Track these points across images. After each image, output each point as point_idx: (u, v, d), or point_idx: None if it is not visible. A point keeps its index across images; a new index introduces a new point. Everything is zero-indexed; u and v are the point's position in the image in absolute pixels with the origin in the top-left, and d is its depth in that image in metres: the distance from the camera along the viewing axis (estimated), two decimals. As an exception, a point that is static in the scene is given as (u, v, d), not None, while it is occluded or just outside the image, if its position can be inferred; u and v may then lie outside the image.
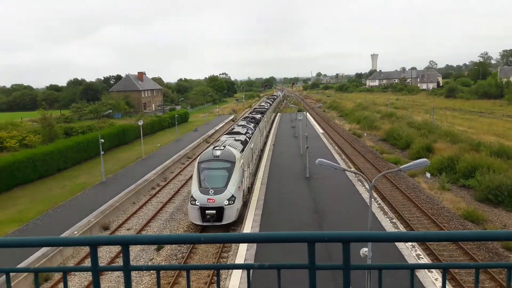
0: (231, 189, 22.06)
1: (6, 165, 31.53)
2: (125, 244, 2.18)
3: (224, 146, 24.90)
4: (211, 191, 21.83)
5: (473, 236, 2.20)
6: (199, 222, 22.06)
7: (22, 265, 17.66)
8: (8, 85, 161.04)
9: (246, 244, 18.00)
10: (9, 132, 50.67)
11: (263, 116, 49.62)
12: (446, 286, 2.29)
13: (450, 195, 27.87)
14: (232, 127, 42.15)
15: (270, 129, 57.61)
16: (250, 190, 27.33)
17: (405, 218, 23.52)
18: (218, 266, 2.22)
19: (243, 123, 39.26)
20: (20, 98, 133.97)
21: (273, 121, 67.62)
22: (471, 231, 2.31)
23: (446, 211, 24.54)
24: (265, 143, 45.59)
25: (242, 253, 17.38)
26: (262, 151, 41.03)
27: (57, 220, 24.47)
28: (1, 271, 2.22)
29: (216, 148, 24.70)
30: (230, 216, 21.80)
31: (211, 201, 21.63)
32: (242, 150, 26.52)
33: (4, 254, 17.46)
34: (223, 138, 30.59)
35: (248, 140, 30.72)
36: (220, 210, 21.72)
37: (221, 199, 21.69)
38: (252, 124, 39.07)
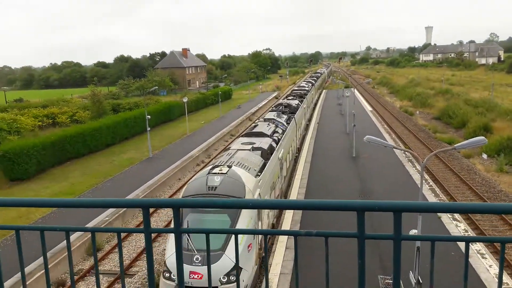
0: (233, 253, 12.23)
1: (58, 139, 32.89)
2: (176, 206, 2.22)
3: (230, 166, 14.91)
4: (198, 258, 12.14)
5: None
6: None
7: (76, 234, 18.39)
8: (59, 63, 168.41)
9: (291, 218, 18.35)
10: (60, 108, 52.99)
11: (302, 101, 39.00)
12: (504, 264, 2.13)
13: (508, 178, 26.12)
14: (254, 123, 27.47)
15: (315, 107, 56.36)
16: (274, 226, 18.20)
17: (458, 201, 22.28)
18: (266, 231, 2.26)
19: (272, 115, 27.71)
20: (70, 75, 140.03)
21: (317, 99, 66.12)
22: None
23: (503, 195, 23.04)
24: (303, 137, 36.43)
25: (287, 226, 17.80)
26: (299, 150, 31.19)
27: (106, 193, 25.32)
28: (62, 229, 2.37)
29: (214, 171, 14.52)
30: None
31: (196, 276, 11.97)
32: (263, 168, 16.81)
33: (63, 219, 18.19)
34: (234, 146, 19.63)
35: (275, 146, 20.53)
36: None
37: (214, 273, 12.04)
38: (285, 117, 28.61)
